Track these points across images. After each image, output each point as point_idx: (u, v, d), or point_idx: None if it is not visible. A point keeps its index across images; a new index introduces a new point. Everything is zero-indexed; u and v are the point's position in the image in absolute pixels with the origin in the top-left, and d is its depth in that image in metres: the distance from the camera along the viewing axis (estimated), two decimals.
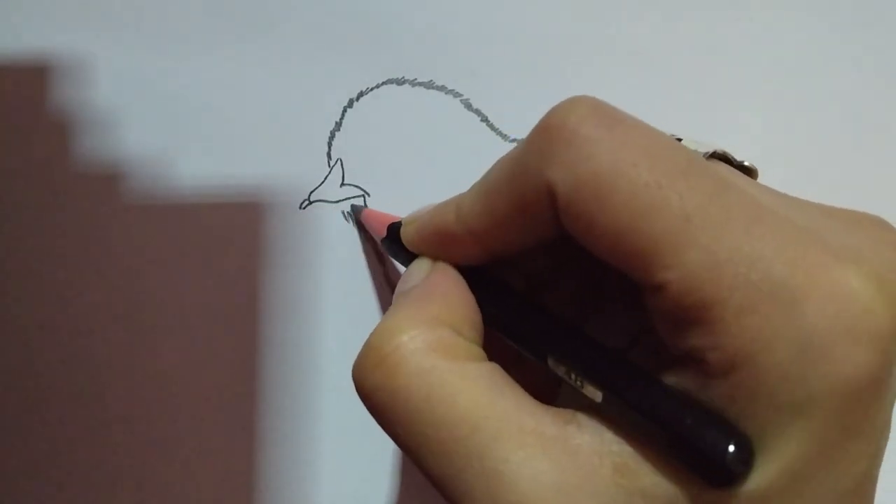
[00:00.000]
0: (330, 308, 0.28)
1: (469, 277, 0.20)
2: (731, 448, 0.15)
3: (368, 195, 0.28)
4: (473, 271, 0.20)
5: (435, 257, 0.21)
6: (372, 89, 0.29)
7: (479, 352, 0.19)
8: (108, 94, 0.28)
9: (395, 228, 0.22)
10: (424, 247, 0.21)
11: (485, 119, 0.29)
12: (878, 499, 0.18)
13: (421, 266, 0.21)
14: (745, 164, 0.20)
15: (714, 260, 0.15)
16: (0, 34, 0.28)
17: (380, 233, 0.24)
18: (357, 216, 0.28)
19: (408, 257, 0.22)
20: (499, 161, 0.19)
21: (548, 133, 0.17)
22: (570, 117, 0.17)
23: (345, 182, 0.28)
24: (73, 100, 0.28)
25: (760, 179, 0.18)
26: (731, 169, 0.19)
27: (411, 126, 0.29)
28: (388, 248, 0.23)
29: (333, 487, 0.28)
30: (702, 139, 0.21)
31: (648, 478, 0.16)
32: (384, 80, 0.29)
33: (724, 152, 0.20)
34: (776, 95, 0.29)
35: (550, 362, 0.18)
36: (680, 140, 0.20)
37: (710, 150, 0.20)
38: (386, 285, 0.28)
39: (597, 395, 0.17)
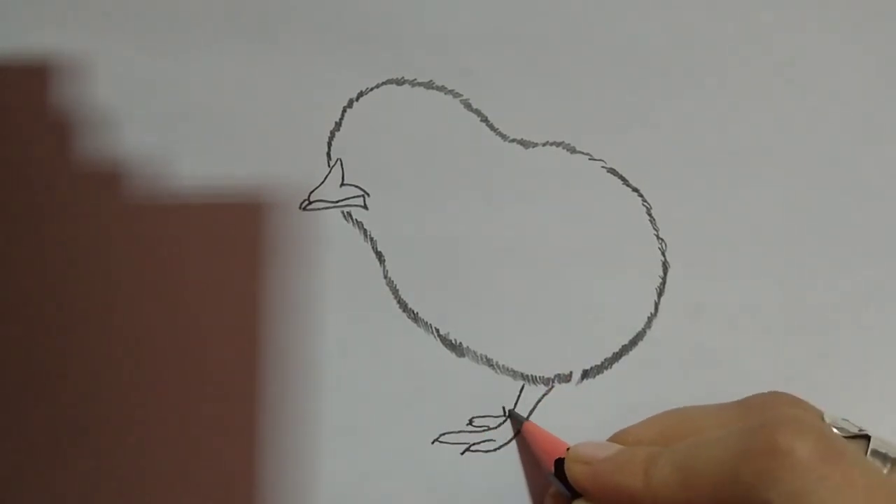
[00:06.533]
0: (330, 308, 0.28)
1: None
2: None
3: (368, 195, 0.28)
4: None
5: None
6: (372, 89, 0.29)
7: None
8: (108, 94, 0.28)
9: (562, 465, 0.24)
10: (598, 495, 0.23)
11: (485, 119, 0.29)
12: None
13: None
14: None
15: None
16: (0, 34, 0.28)
17: (545, 458, 0.25)
18: (517, 428, 0.27)
19: (572, 491, 0.23)
20: (704, 449, 0.20)
21: (774, 457, 0.18)
22: (798, 445, 0.18)
23: (345, 182, 0.28)
24: (73, 100, 0.28)
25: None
26: None
27: (411, 126, 0.29)
28: (553, 479, 0.24)
29: (333, 487, 0.28)
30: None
31: None
32: (384, 80, 0.29)
33: None
34: (776, 95, 0.29)
35: None
36: (868, 438, 0.21)
37: None
38: (386, 286, 0.28)
39: None
